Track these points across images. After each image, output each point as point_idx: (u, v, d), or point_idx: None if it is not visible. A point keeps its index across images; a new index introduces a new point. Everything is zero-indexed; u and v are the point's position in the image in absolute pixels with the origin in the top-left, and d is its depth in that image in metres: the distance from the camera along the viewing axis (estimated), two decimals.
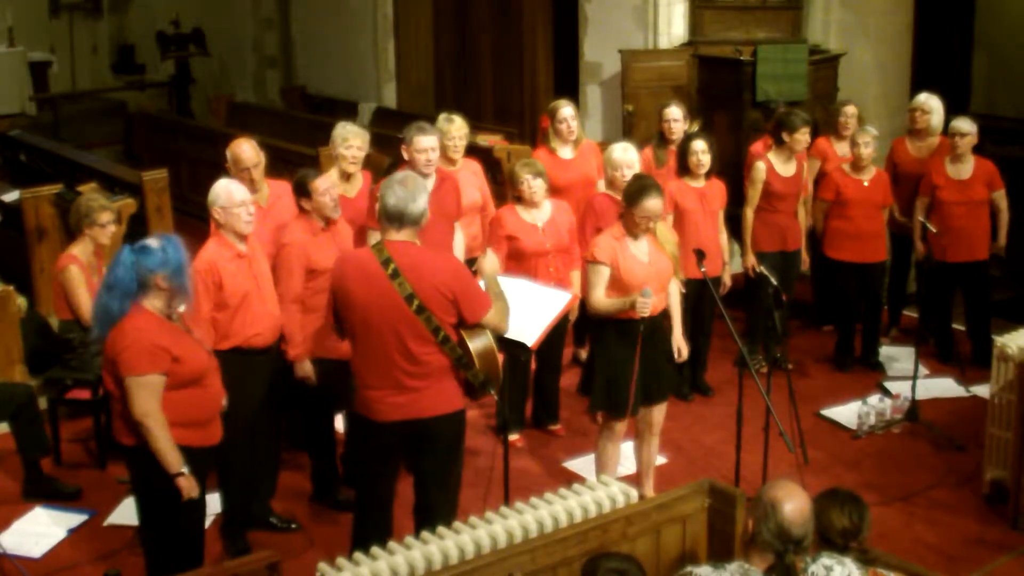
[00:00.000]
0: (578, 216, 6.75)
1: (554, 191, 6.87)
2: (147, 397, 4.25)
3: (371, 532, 4.61)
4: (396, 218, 4.52)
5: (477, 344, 4.60)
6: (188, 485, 4.34)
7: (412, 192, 4.53)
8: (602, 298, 5.36)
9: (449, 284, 4.48)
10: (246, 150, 5.87)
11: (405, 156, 6.13)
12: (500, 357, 4.76)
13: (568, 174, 7.09)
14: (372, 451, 4.75)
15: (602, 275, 5.35)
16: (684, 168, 6.87)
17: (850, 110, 7.81)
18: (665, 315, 5.61)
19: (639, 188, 5.36)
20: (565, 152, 7.19)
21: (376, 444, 4.70)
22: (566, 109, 7.18)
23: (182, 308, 4.44)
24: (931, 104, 7.70)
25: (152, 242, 4.35)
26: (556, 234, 6.31)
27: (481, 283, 4.80)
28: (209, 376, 4.51)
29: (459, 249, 6.44)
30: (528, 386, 6.69)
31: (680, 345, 5.69)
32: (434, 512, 4.67)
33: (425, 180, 5.65)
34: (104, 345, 4.35)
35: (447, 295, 4.47)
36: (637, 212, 5.30)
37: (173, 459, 4.30)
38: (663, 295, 5.49)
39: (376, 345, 4.54)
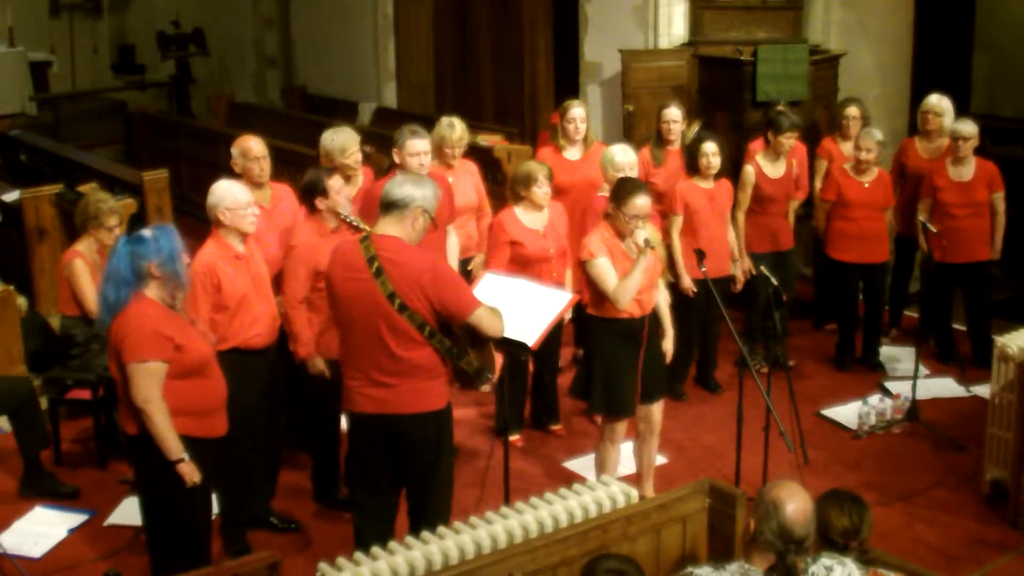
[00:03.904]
0: (575, 218, 6.72)
1: (555, 192, 6.85)
2: (148, 383, 4.31)
3: (368, 532, 4.61)
4: (382, 203, 4.56)
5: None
6: (189, 471, 4.38)
7: (402, 180, 4.60)
8: (617, 285, 5.24)
9: (428, 286, 4.42)
10: (254, 143, 5.90)
11: (396, 160, 6.05)
12: (499, 355, 4.76)
13: (571, 176, 7.03)
14: (357, 445, 4.73)
15: (607, 267, 5.27)
16: (694, 169, 6.87)
17: (852, 111, 7.79)
18: (657, 320, 5.60)
19: (628, 186, 5.33)
20: (571, 153, 7.16)
21: (359, 437, 4.68)
22: (576, 110, 7.15)
23: (179, 297, 4.48)
24: (943, 106, 7.69)
25: (145, 232, 4.43)
26: (557, 238, 6.27)
27: (479, 283, 4.77)
28: (211, 367, 4.56)
29: (453, 252, 6.40)
30: (527, 386, 6.68)
31: (668, 349, 5.64)
32: (424, 515, 4.65)
33: None
34: (108, 334, 4.41)
35: (428, 297, 4.43)
36: (626, 211, 5.24)
37: (173, 445, 4.35)
38: (654, 292, 5.46)
39: (359, 338, 4.54)
